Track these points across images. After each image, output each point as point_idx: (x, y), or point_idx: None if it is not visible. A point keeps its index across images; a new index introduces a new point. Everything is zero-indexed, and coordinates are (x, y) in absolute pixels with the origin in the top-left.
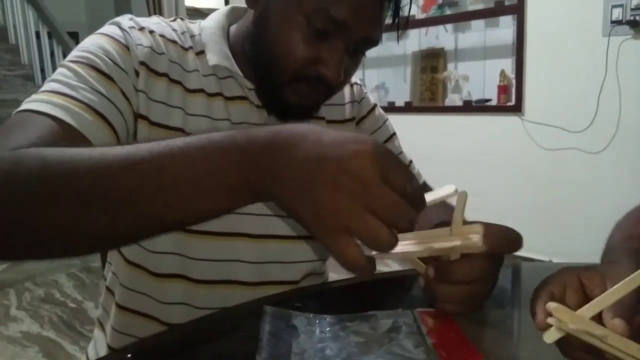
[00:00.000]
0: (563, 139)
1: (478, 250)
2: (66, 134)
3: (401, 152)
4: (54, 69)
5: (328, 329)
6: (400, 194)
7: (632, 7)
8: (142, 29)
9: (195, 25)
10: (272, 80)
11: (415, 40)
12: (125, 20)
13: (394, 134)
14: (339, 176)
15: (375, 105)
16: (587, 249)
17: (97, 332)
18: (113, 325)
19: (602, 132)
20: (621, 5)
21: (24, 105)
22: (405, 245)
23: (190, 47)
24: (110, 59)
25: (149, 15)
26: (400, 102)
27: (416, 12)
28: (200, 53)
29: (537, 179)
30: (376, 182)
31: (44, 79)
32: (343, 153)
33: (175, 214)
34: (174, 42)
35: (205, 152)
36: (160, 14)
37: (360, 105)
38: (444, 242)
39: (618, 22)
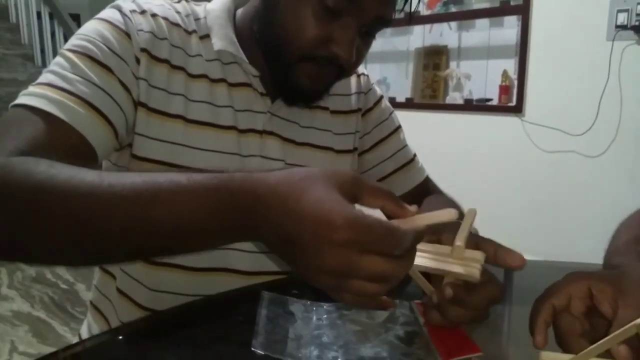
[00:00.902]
0: (562, 142)
1: (473, 281)
2: (60, 132)
3: (405, 146)
4: (54, 49)
5: (325, 316)
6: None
7: (638, 12)
8: (143, 12)
9: (201, 8)
10: (281, 60)
11: (419, 36)
12: (127, 3)
13: (399, 126)
14: (316, 261)
15: (381, 97)
16: (585, 252)
17: (91, 316)
18: (120, 317)
19: (601, 136)
20: (627, 10)
21: (21, 99)
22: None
23: (194, 31)
24: (108, 48)
25: None
26: (401, 98)
27: (421, 8)
28: (205, 37)
29: (536, 181)
30: (353, 261)
31: (43, 59)
32: (317, 239)
33: (164, 250)
34: (177, 25)
35: (189, 204)
36: None
37: (366, 97)
38: (442, 263)
39: (623, 27)
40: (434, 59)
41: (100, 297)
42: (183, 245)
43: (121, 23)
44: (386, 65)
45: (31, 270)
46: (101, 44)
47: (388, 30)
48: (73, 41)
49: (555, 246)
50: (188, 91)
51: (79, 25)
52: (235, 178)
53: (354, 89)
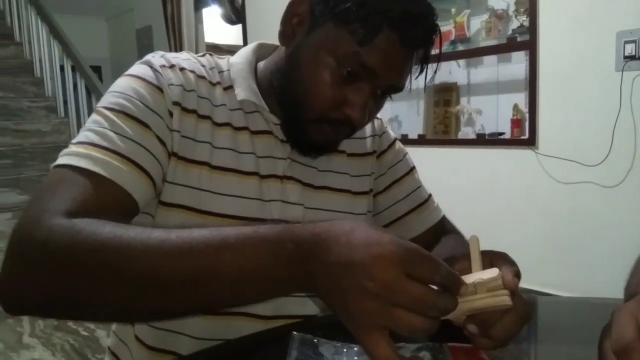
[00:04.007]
0: (578, 173)
1: (507, 307)
2: (106, 190)
3: (420, 187)
4: (77, 101)
5: (355, 358)
6: (430, 285)
7: None
8: (172, 66)
9: (224, 61)
10: (298, 116)
11: (428, 75)
12: (156, 58)
13: (414, 167)
14: (363, 281)
15: (395, 139)
16: (602, 284)
17: None
18: None
19: (617, 166)
20: (634, 41)
21: (64, 159)
22: None
23: (218, 83)
24: (143, 104)
25: (170, 51)
26: (413, 135)
27: None
28: (228, 88)
29: (552, 213)
30: (399, 282)
31: (66, 110)
32: (366, 258)
33: (224, 301)
34: (203, 77)
35: (256, 251)
36: (181, 49)
37: (381, 139)
38: (475, 302)
39: (631, 58)
40: (444, 96)
41: (118, 343)
42: (243, 294)
43: (153, 78)
44: (397, 103)
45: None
46: (136, 101)
47: None
48: (108, 98)
49: (573, 278)
50: (213, 139)
51: (100, 77)
52: (296, 226)
53: (369, 132)
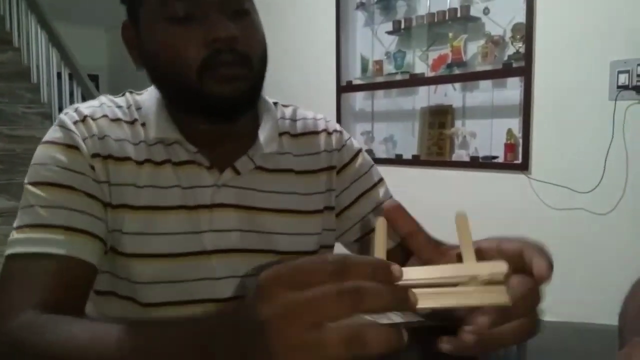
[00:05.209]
0: (570, 199)
1: (505, 306)
2: (54, 268)
3: (390, 198)
4: None
5: None
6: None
7: (639, 73)
8: (84, 118)
9: (142, 97)
10: (191, 87)
11: (424, 96)
12: (69, 115)
13: (382, 180)
14: (260, 306)
15: (359, 151)
16: (593, 310)
17: None
18: None
19: (609, 193)
20: (627, 71)
21: (9, 249)
22: (422, 294)
23: (136, 120)
24: (62, 168)
25: None
26: (407, 155)
27: (426, 70)
28: (145, 124)
29: (543, 238)
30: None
31: None
32: (254, 297)
33: None
34: (118, 119)
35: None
36: None
37: (340, 153)
38: (462, 297)
39: (624, 87)
40: (439, 118)
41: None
42: None
43: (67, 139)
44: (393, 124)
45: None
46: (55, 167)
47: (394, 91)
48: (31, 173)
49: (565, 305)
50: (137, 179)
51: (97, 86)
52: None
53: (322, 147)
